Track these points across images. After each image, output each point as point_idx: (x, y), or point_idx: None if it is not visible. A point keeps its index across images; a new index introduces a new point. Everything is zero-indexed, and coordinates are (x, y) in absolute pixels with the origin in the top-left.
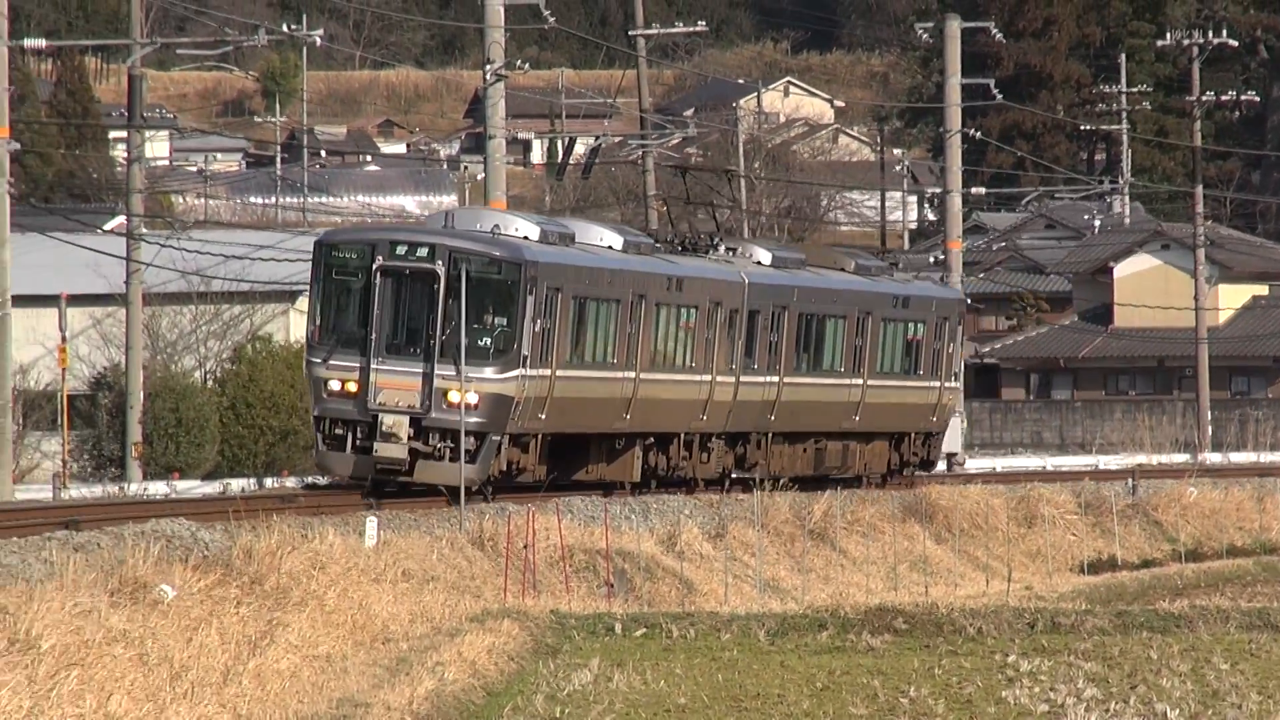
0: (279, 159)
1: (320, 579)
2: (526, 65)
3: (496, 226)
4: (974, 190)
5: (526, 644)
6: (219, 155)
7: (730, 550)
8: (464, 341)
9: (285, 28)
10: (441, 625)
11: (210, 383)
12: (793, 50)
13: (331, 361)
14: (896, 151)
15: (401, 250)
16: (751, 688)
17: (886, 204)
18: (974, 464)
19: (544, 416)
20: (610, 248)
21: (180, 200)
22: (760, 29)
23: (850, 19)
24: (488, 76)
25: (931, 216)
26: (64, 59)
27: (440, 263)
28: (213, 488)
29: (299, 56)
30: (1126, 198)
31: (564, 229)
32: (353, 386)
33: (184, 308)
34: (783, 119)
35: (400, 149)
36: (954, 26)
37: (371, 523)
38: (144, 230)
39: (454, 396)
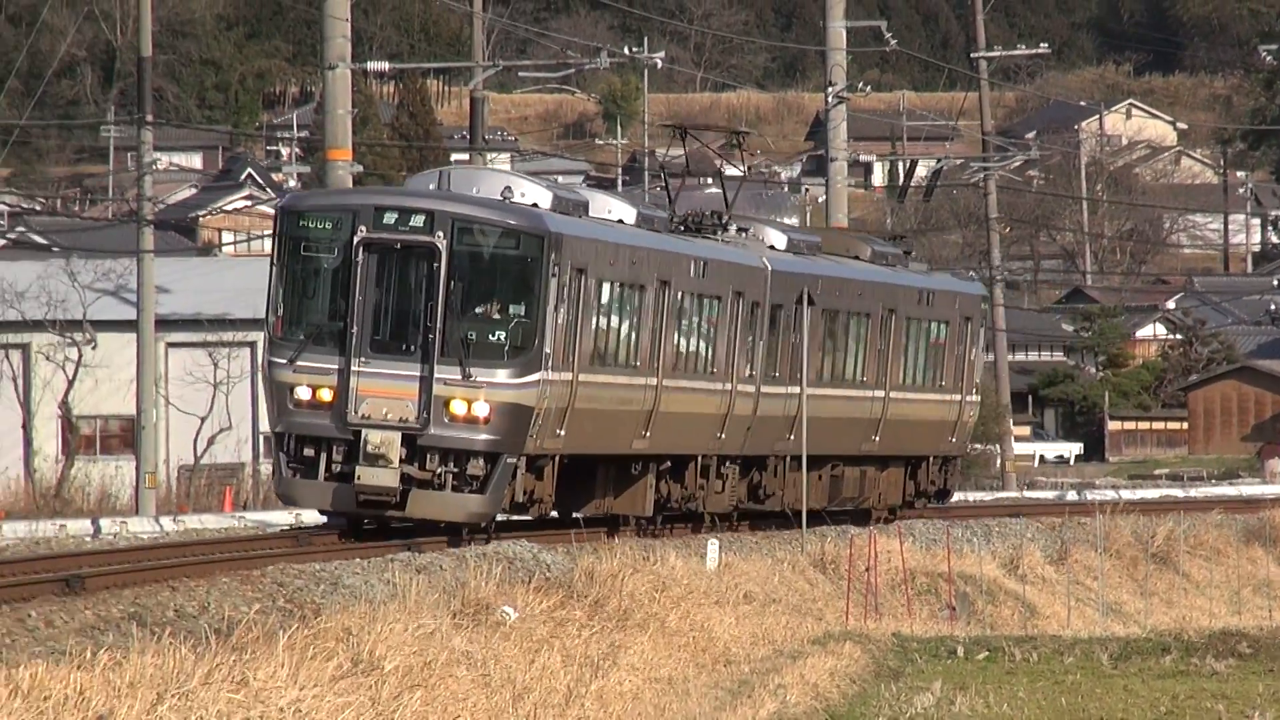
0: (619, 181)
1: (662, 601)
2: (868, 88)
3: (508, 189)
4: None
5: (868, 666)
6: (560, 177)
7: (1072, 573)
8: (472, 334)
9: (627, 50)
10: (783, 647)
11: None
12: (1135, 72)
13: (300, 363)
14: (1239, 174)
15: (390, 218)
16: (1094, 712)
17: (1229, 227)
18: None
19: (562, 433)
20: (621, 221)
21: None
22: (1102, 51)
23: (1193, 41)
24: (829, 99)
25: (1275, 239)
26: (406, 82)
27: (441, 234)
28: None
29: (640, 79)
30: None
31: (578, 197)
32: (327, 394)
33: None
34: (1125, 141)
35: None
36: None
37: (713, 545)
38: None
39: (458, 407)
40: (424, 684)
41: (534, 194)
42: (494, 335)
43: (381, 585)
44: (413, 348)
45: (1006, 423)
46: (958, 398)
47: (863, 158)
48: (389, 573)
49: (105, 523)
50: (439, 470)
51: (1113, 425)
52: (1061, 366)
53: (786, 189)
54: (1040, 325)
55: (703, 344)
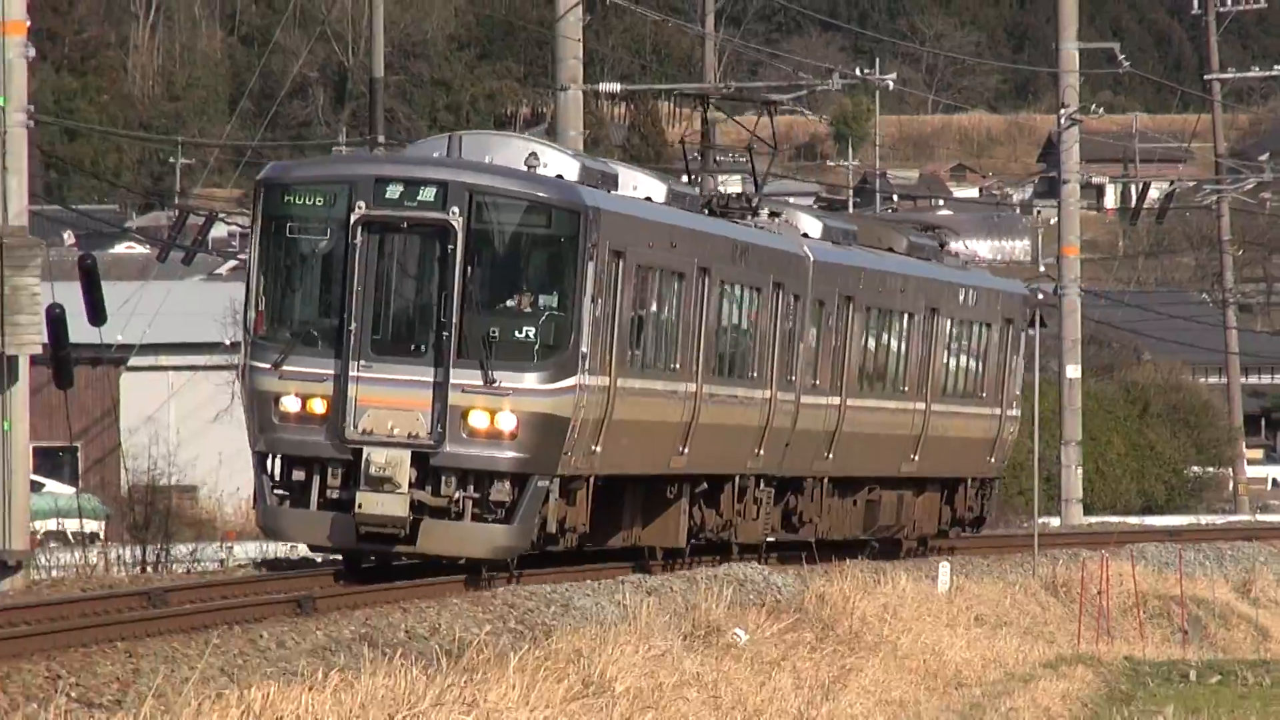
0: (851, 202)
1: (893, 624)
2: (1100, 109)
3: (533, 155)
4: None
5: (1100, 690)
6: (791, 198)
7: None
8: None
9: (858, 72)
10: (1014, 670)
11: None
12: None
13: (286, 367)
14: None
15: (394, 192)
16: None
17: None
18: None
19: (598, 450)
20: (649, 199)
21: None
22: None
23: None
24: (1061, 120)
25: None
26: (637, 103)
27: (456, 210)
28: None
29: (871, 100)
30: None
31: (606, 169)
32: (320, 405)
33: None
34: None
35: (973, 193)
36: None
37: (945, 568)
38: None
39: (479, 419)
40: (655, 705)
41: (559, 163)
42: (522, 332)
43: (612, 607)
44: (424, 348)
45: (1239, 446)
46: (998, 412)
47: (1095, 179)
48: (620, 594)
49: None
50: (456, 495)
51: None
52: None
53: (1018, 211)
54: (1273, 348)
55: (744, 344)
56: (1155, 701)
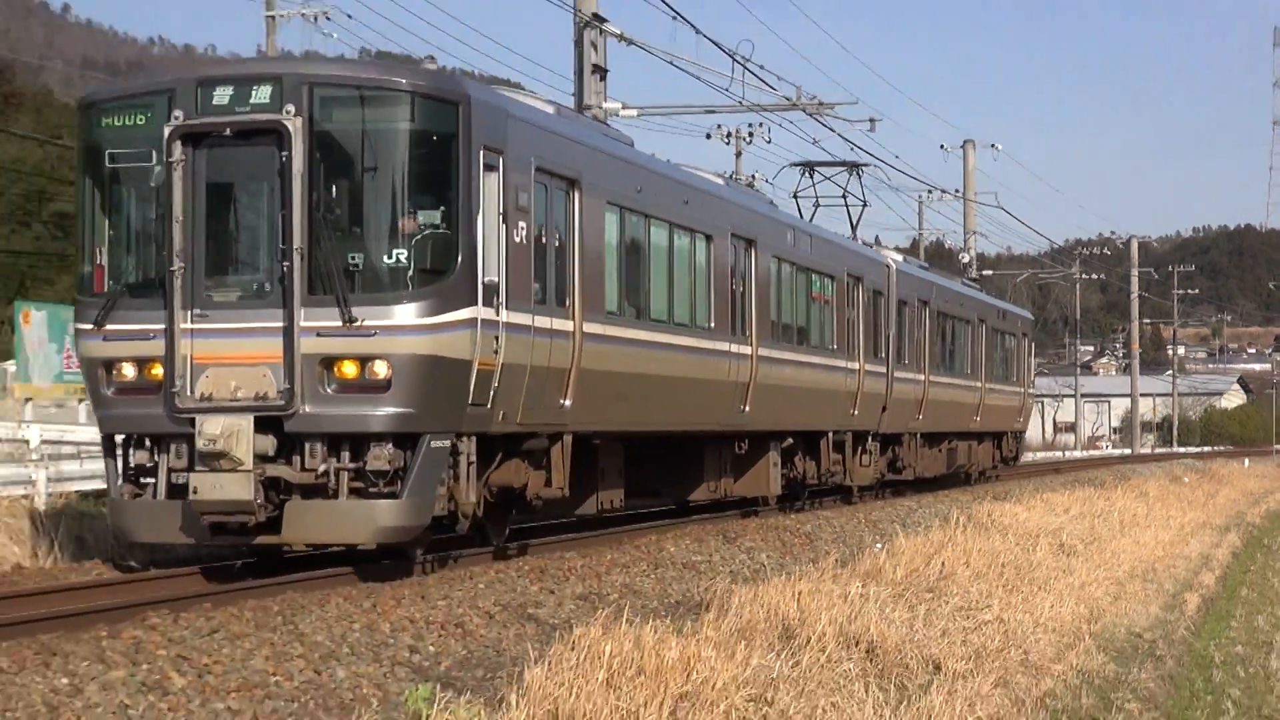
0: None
1: (1229, 478)
2: None
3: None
4: None
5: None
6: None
7: None
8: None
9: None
10: (1270, 491)
11: None
12: None
13: (110, 326)
14: None
15: (222, 96)
16: None
17: None
18: None
19: (567, 403)
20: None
21: None
22: None
23: None
24: None
25: None
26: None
27: (291, 108)
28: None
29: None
30: None
31: (620, 135)
32: (157, 369)
33: None
34: None
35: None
36: None
37: (1246, 461)
38: None
39: (341, 368)
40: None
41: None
42: (391, 256)
43: (1112, 476)
44: (267, 286)
45: None
46: (1022, 390)
47: None
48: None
49: None
50: (322, 468)
51: None
52: None
53: None
54: None
55: (817, 318)
56: None
